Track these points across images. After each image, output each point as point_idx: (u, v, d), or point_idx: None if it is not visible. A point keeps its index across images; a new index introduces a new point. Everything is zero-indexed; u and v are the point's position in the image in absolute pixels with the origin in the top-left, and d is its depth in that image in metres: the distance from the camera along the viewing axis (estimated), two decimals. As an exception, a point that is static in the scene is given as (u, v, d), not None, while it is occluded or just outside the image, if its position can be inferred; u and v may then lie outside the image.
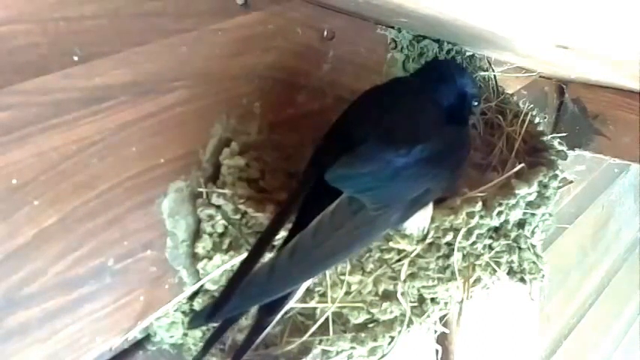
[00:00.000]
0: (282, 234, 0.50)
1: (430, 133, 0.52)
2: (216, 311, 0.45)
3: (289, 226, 0.50)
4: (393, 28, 0.72)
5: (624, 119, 1.06)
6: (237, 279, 0.46)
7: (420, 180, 0.50)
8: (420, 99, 0.57)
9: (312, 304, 0.56)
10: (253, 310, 0.51)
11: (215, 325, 0.50)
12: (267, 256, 0.49)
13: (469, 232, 0.56)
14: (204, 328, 0.57)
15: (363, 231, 0.48)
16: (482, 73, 0.81)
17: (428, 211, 0.54)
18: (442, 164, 0.52)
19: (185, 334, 0.58)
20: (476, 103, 0.62)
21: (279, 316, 0.49)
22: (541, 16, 0.48)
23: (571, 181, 0.67)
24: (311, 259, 0.46)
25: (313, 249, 0.46)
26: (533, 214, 0.63)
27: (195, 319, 0.47)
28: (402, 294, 0.56)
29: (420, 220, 0.54)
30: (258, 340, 0.49)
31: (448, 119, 0.56)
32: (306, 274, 0.47)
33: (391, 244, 0.55)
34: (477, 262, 0.59)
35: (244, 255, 0.52)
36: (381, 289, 0.56)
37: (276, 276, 0.45)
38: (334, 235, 0.46)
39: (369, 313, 0.56)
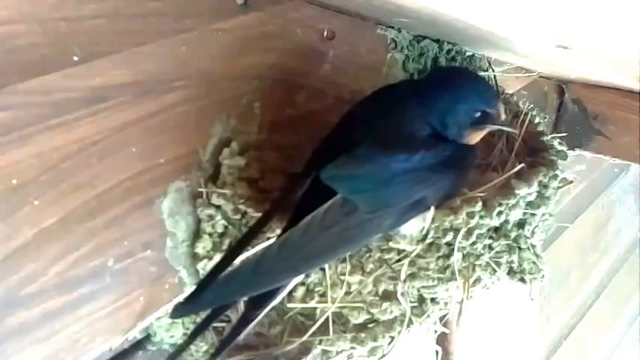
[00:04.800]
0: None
1: (433, 143, 0.52)
2: (191, 301, 0.45)
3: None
4: (393, 28, 0.72)
5: (624, 119, 1.06)
6: (218, 270, 0.46)
7: (415, 187, 0.50)
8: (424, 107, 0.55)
9: (312, 304, 0.55)
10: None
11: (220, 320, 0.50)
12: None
13: (469, 232, 0.56)
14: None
15: (352, 233, 0.47)
16: (483, 73, 0.81)
17: (428, 214, 0.54)
18: (441, 175, 0.51)
19: (185, 334, 0.58)
20: (478, 114, 0.54)
21: (266, 310, 0.49)
22: (541, 16, 0.48)
23: (571, 181, 0.67)
24: (298, 256, 0.46)
25: (301, 246, 0.46)
26: (533, 214, 0.63)
27: (177, 310, 0.47)
28: (402, 294, 0.56)
29: (416, 226, 0.53)
30: (244, 333, 0.49)
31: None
32: (292, 271, 0.47)
33: (391, 244, 0.54)
34: (477, 262, 0.59)
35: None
36: (381, 289, 0.56)
37: (262, 270, 0.45)
38: (323, 234, 0.46)
39: (369, 313, 0.56)
